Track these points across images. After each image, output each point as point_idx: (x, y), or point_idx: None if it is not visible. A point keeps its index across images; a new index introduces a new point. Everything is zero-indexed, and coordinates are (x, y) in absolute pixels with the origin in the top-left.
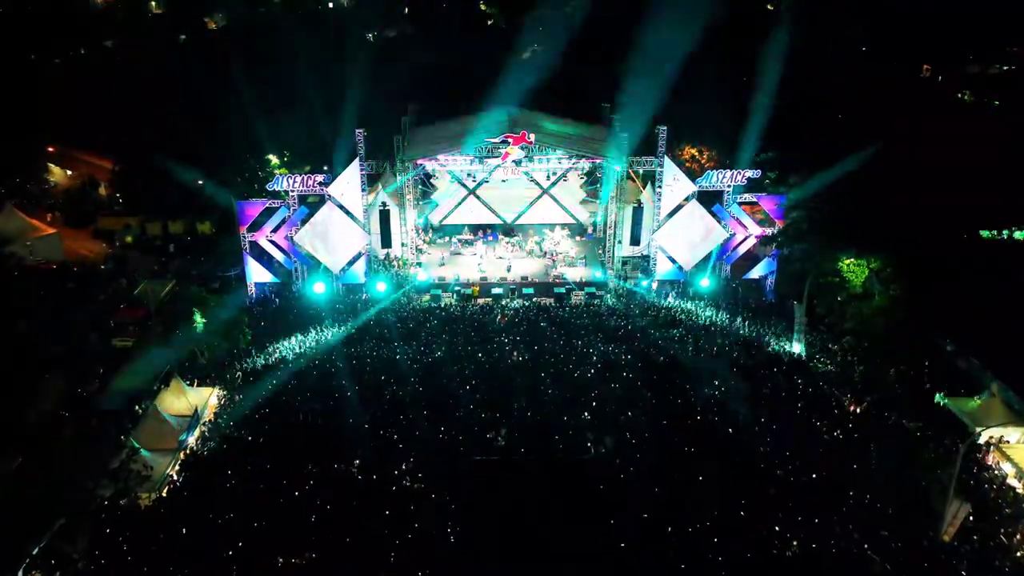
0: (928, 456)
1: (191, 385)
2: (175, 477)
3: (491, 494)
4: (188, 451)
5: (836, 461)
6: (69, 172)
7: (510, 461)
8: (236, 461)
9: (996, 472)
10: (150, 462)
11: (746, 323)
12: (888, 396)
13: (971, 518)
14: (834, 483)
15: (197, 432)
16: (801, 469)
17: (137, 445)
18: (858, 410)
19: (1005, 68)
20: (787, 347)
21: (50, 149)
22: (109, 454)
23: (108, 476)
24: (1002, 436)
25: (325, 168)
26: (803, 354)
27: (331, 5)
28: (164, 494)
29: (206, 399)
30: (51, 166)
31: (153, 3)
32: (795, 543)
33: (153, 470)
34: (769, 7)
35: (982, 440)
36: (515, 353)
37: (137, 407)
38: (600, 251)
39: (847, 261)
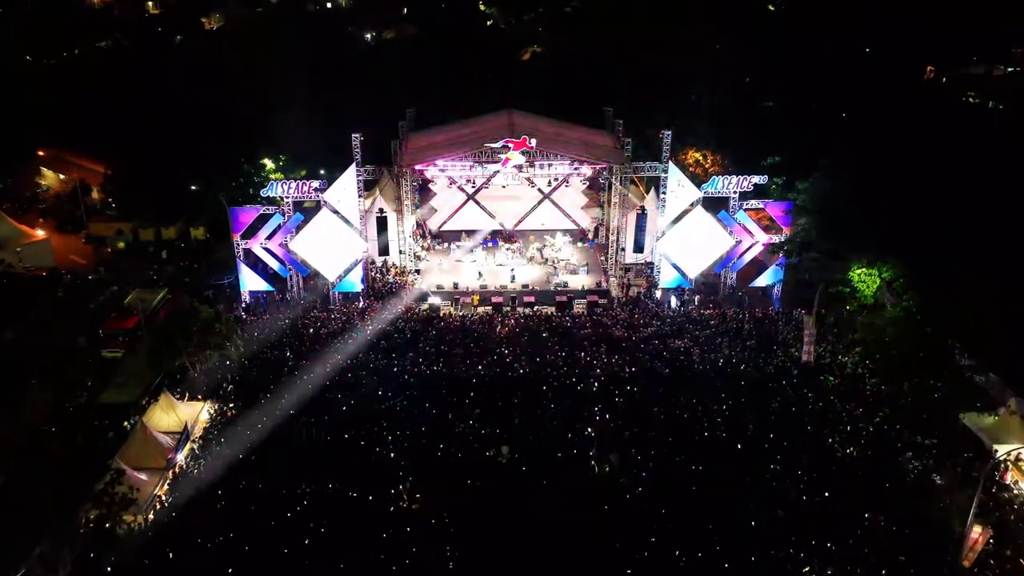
0: (946, 476)
1: (181, 399)
2: (163, 498)
3: (491, 518)
4: (177, 470)
5: (850, 480)
6: (62, 176)
7: (511, 486)
8: (227, 481)
9: (1016, 492)
10: (137, 482)
11: (753, 333)
12: (901, 411)
13: (991, 542)
14: (848, 504)
15: (186, 449)
16: (814, 489)
17: (123, 466)
18: (870, 427)
19: (1010, 70)
20: (795, 358)
21: (40, 153)
22: (94, 474)
23: (91, 500)
24: (1019, 454)
25: (322, 172)
26: (812, 366)
27: (329, 5)
28: (151, 516)
29: (197, 414)
30: (43, 170)
31: (150, 3)
32: (808, 569)
33: (139, 492)
34: (771, 7)
35: (999, 458)
36: (516, 365)
37: (125, 423)
38: (603, 258)
39: (858, 271)
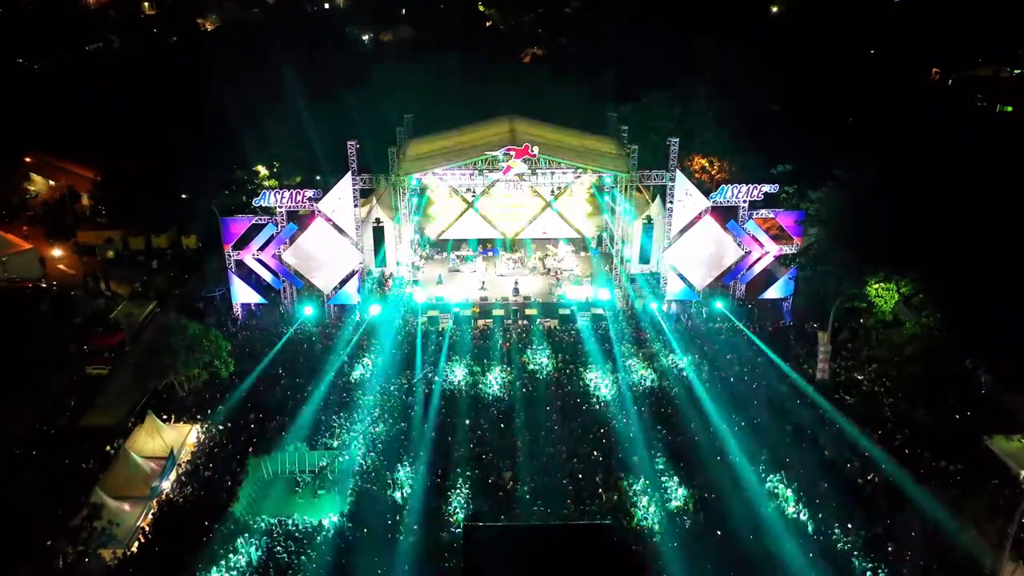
0: (972, 505)
1: (167, 421)
2: (147, 530)
3: (493, 554)
4: (162, 499)
5: (870, 510)
6: (51, 183)
7: (513, 526)
8: (216, 510)
9: None
10: (118, 513)
11: (764, 348)
12: (922, 434)
13: None
14: (870, 536)
15: (173, 475)
16: (831, 519)
17: (104, 496)
18: (890, 451)
19: (1016, 72)
20: (809, 375)
21: (27, 159)
22: (73, 506)
23: (68, 536)
24: None
25: (317, 178)
26: (827, 384)
27: (327, 6)
28: (134, 550)
29: (183, 438)
30: (33, 175)
31: (147, 4)
32: None
33: (119, 526)
34: (774, 8)
35: None
36: (518, 383)
37: (108, 447)
38: (607, 268)
39: (875, 285)
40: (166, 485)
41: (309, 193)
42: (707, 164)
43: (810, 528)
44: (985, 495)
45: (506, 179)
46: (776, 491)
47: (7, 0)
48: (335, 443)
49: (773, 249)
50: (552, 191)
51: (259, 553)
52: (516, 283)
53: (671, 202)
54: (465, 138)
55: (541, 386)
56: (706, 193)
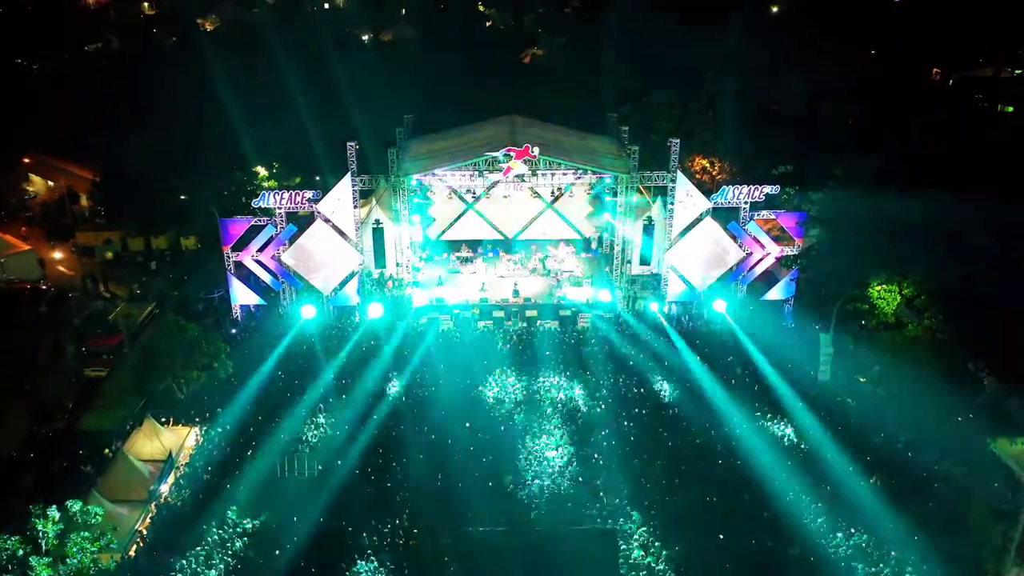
0: (978, 509)
1: (166, 424)
2: (144, 533)
3: (493, 559)
4: (160, 502)
5: (871, 514)
6: (50, 183)
7: (513, 532)
8: (213, 514)
9: None
10: (116, 516)
11: (764, 351)
12: (925, 437)
13: None
14: (872, 540)
15: (171, 479)
16: (833, 523)
17: (102, 499)
18: (892, 454)
19: (1017, 72)
20: (811, 377)
21: (26, 160)
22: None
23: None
24: None
25: (317, 179)
26: (829, 387)
27: (327, 6)
28: (132, 554)
29: (182, 441)
30: (31, 176)
31: (147, 4)
32: None
33: (117, 530)
34: (774, 8)
35: None
36: (519, 386)
37: (107, 450)
38: (608, 269)
39: (877, 287)
40: (164, 488)
41: (308, 194)
42: (708, 165)
43: (812, 531)
44: (988, 498)
45: (506, 180)
46: (778, 493)
47: (7, 0)
48: (334, 445)
49: (774, 250)
50: (552, 192)
51: (258, 556)
52: (516, 284)
53: (672, 203)
54: (465, 138)
55: (541, 388)
56: (707, 194)
